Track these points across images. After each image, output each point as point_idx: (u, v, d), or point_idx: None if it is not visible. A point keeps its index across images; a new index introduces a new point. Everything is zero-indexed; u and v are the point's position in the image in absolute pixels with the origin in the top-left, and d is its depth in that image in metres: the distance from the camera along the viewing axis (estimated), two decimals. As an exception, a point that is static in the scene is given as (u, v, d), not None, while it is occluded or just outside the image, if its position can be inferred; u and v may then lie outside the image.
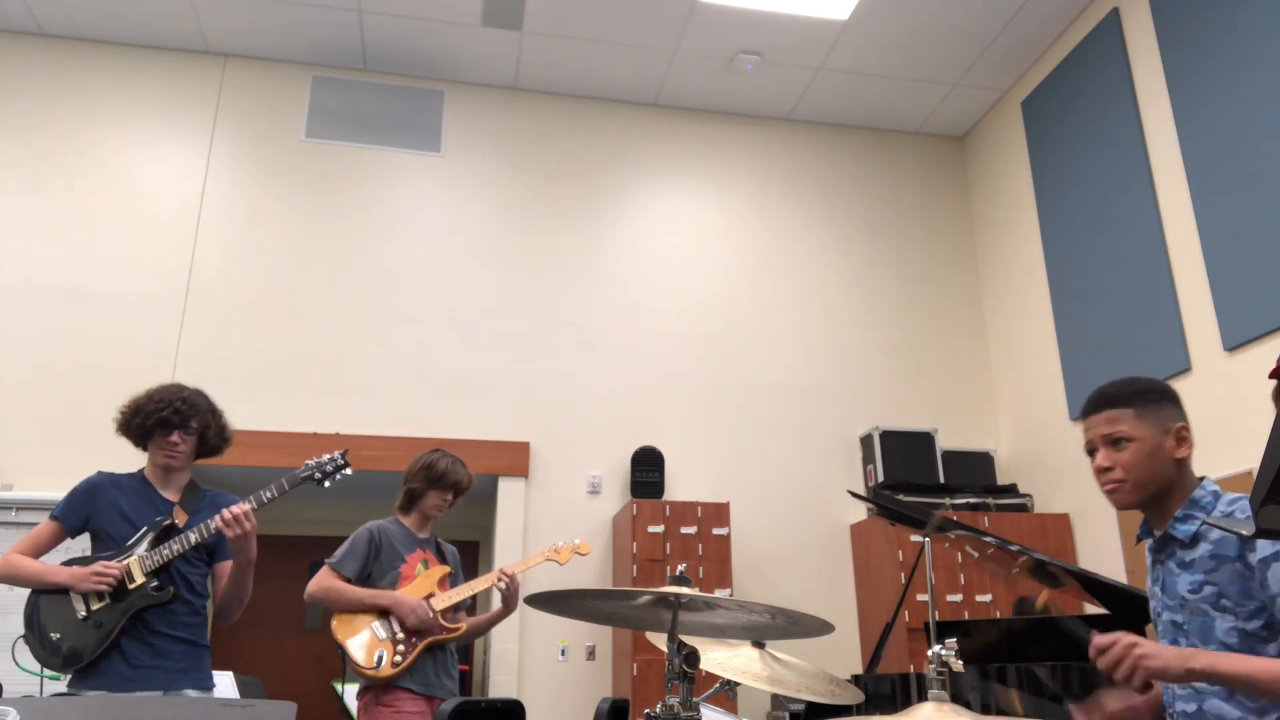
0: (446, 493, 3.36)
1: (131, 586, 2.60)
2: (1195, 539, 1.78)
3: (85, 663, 2.53)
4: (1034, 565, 3.15)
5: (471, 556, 6.90)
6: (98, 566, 2.56)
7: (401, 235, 6.20)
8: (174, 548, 2.65)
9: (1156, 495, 1.84)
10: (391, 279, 6.09)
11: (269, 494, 2.76)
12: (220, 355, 5.70)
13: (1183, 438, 1.83)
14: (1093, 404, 1.91)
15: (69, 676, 2.58)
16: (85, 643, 2.54)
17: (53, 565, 2.59)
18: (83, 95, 6.07)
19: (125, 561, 2.61)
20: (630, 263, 6.46)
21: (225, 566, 2.80)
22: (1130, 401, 1.86)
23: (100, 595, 2.57)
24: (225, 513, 2.62)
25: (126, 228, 5.85)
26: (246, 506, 2.65)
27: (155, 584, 2.63)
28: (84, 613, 2.56)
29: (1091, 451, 1.89)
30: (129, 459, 5.35)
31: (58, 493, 5.19)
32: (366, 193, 6.25)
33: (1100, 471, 1.87)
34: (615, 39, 6.19)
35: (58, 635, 2.54)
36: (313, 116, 6.33)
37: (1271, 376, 1.38)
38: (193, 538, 2.67)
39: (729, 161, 6.87)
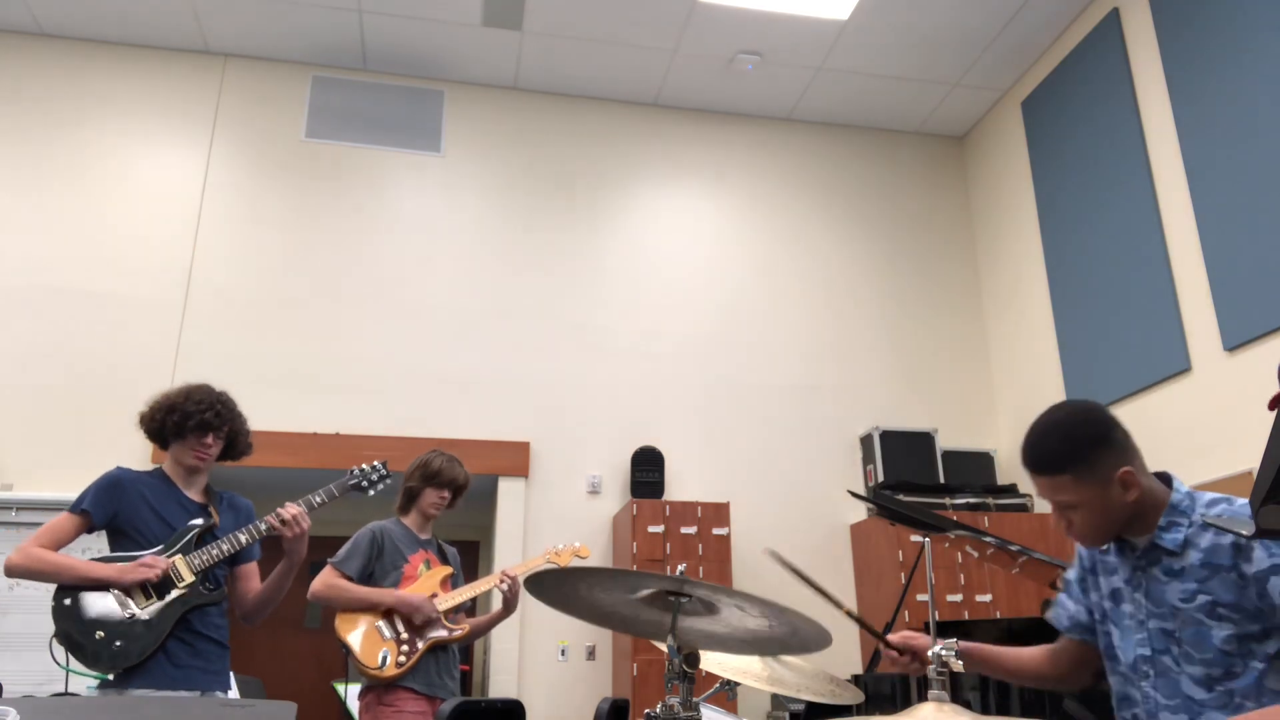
0: (443, 490, 3.37)
1: (181, 585, 2.56)
2: (1184, 546, 1.73)
3: (134, 662, 2.46)
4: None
5: (472, 556, 6.90)
6: (145, 558, 2.52)
7: (401, 235, 6.20)
8: (223, 548, 2.63)
9: (1123, 528, 1.80)
10: (391, 279, 6.09)
11: (319, 499, 2.78)
12: (220, 355, 5.70)
13: (1129, 483, 1.74)
14: (1028, 463, 1.80)
15: (113, 676, 2.51)
16: (135, 642, 2.47)
17: (89, 561, 2.51)
18: (83, 95, 6.07)
19: (169, 559, 2.57)
20: (630, 262, 6.46)
21: (248, 569, 2.82)
22: (1064, 466, 1.75)
23: (146, 594, 2.52)
24: (283, 512, 2.65)
25: (127, 228, 5.85)
26: (303, 508, 2.69)
27: (210, 585, 2.64)
28: (131, 611, 2.49)
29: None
30: (129, 459, 5.35)
31: (58, 493, 5.19)
32: (366, 193, 6.25)
33: (1058, 527, 1.82)
34: (615, 39, 6.19)
35: (102, 634, 2.45)
36: (313, 116, 6.33)
37: (1270, 407, 1.34)
38: (243, 538, 2.66)
39: (729, 161, 6.87)
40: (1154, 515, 1.77)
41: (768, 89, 6.70)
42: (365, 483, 3.00)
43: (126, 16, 5.99)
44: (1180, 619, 1.73)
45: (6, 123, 5.90)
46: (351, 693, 3.62)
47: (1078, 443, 1.74)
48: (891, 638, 2.05)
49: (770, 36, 6.15)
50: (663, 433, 6.12)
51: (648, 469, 5.82)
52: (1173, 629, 1.74)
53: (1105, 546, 1.90)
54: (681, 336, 6.37)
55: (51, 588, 2.54)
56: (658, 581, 1.65)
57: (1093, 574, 1.94)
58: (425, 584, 3.30)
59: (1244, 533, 1.48)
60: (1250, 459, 4.49)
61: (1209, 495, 1.77)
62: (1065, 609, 1.99)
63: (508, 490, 5.81)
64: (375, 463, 3.05)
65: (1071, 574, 2.00)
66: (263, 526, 2.67)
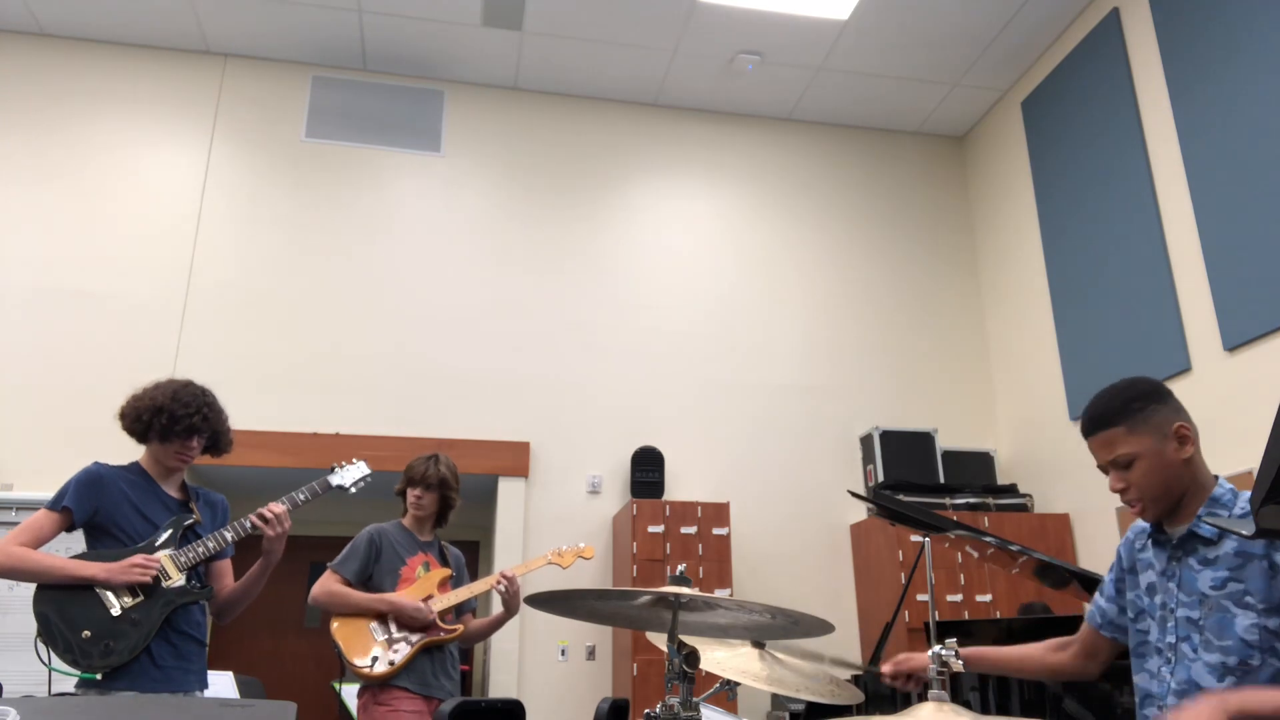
0: (415, 488, 3.38)
1: (168, 584, 2.53)
2: (1221, 535, 1.76)
3: (124, 661, 2.43)
4: (1038, 566, 3.15)
5: (472, 556, 6.90)
6: (137, 559, 2.48)
7: (401, 235, 6.20)
8: (209, 545, 2.61)
9: (1179, 500, 1.82)
10: (391, 279, 6.09)
11: (302, 496, 2.77)
12: (220, 355, 5.70)
13: (1184, 437, 1.79)
14: (1087, 425, 1.87)
15: (100, 676, 2.46)
16: (123, 641, 2.43)
17: (74, 559, 2.47)
18: (83, 95, 6.07)
19: (157, 556, 2.54)
20: (630, 263, 6.46)
21: (222, 566, 2.79)
22: (1118, 418, 1.81)
23: (134, 592, 2.48)
24: (266, 511, 2.64)
25: (127, 228, 5.85)
26: (286, 507, 2.67)
27: (197, 582, 2.62)
28: (118, 610, 2.45)
29: (1105, 470, 1.87)
30: (131, 459, 5.34)
31: (58, 493, 5.18)
32: (366, 193, 6.25)
33: (1117, 492, 1.84)
34: (615, 39, 6.19)
35: (89, 633, 2.41)
36: (313, 116, 6.33)
37: None
38: (229, 536, 2.64)
39: (729, 161, 6.87)
40: (1196, 504, 1.81)
41: (768, 89, 6.70)
42: (347, 480, 3.02)
43: (126, 16, 5.99)
44: (1207, 606, 1.75)
45: (7, 122, 5.90)
46: (350, 693, 3.62)
47: (1130, 397, 1.82)
48: (885, 668, 2.11)
49: (770, 36, 6.15)
50: (663, 433, 6.12)
51: (648, 469, 5.82)
52: (1198, 617, 1.76)
53: (1142, 545, 1.93)
54: (681, 336, 6.36)
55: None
56: (656, 595, 1.66)
57: (1131, 573, 1.97)
58: (423, 586, 3.30)
59: (1244, 533, 1.49)
60: (1250, 459, 4.49)
61: (1250, 493, 1.78)
62: (1100, 607, 2.04)
63: (508, 490, 5.81)
64: (356, 460, 3.08)
65: (1109, 575, 2.04)
66: (247, 524, 2.65)
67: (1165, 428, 1.79)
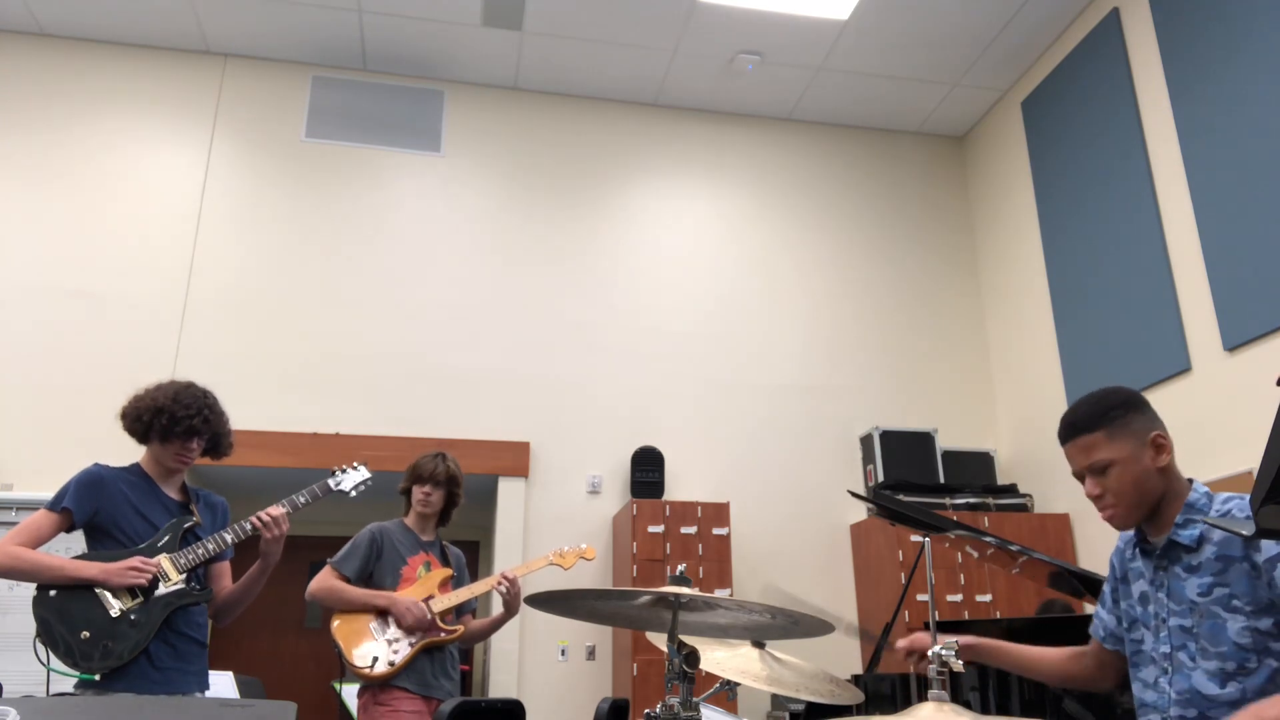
0: (424, 486, 3.38)
1: (167, 585, 2.54)
2: (1200, 542, 1.77)
3: (123, 662, 2.43)
4: (1055, 574, 3.16)
5: (472, 556, 6.89)
6: (135, 561, 2.48)
7: (401, 235, 6.20)
8: (209, 547, 2.61)
9: (1153, 508, 1.83)
10: (391, 279, 6.09)
11: (303, 499, 2.77)
12: (220, 355, 5.70)
13: (1160, 445, 1.81)
14: (1065, 430, 1.89)
15: (99, 676, 2.47)
16: (122, 642, 2.44)
17: (73, 559, 2.47)
18: (83, 95, 6.07)
19: (156, 558, 2.55)
20: (630, 263, 6.46)
21: (221, 568, 2.79)
22: (1098, 424, 1.83)
23: (133, 593, 2.49)
24: (265, 514, 2.64)
25: (127, 228, 5.85)
26: (284, 510, 2.68)
27: (196, 584, 2.63)
28: (117, 611, 2.45)
29: (1080, 477, 1.88)
30: (131, 459, 5.34)
31: (58, 493, 5.17)
32: (366, 193, 6.25)
33: (1092, 499, 1.86)
34: (615, 39, 6.19)
35: (88, 634, 2.41)
36: (313, 116, 6.33)
37: None
38: (228, 538, 2.64)
39: (729, 162, 6.86)
40: (1173, 511, 1.82)
41: (768, 89, 6.70)
42: (347, 484, 3.03)
43: (126, 16, 5.98)
44: (1198, 613, 1.75)
45: (7, 122, 5.90)
46: (350, 692, 3.62)
47: (1110, 405, 1.84)
48: (900, 644, 2.12)
49: (770, 36, 6.15)
50: (663, 433, 6.12)
51: (648, 469, 5.82)
52: (1190, 625, 1.77)
53: (1132, 554, 1.93)
54: (681, 336, 6.36)
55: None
56: (656, 595, 1.66)
57: (1124, 583, 1.98)
58: (424, 586, 3.30)
59: (1243, 533, 1.49)
60: (1250, 459, 4.49)
61: (1225, 495, 1.80)
62: (1100, 619, 2.04)
63: (508, 490, 5.81)
64: (357, 465, 3.08)
65: (1106, 586, 2.04)
66: (247, 526, 2.66)
67: (1143, 435, 1.82)
